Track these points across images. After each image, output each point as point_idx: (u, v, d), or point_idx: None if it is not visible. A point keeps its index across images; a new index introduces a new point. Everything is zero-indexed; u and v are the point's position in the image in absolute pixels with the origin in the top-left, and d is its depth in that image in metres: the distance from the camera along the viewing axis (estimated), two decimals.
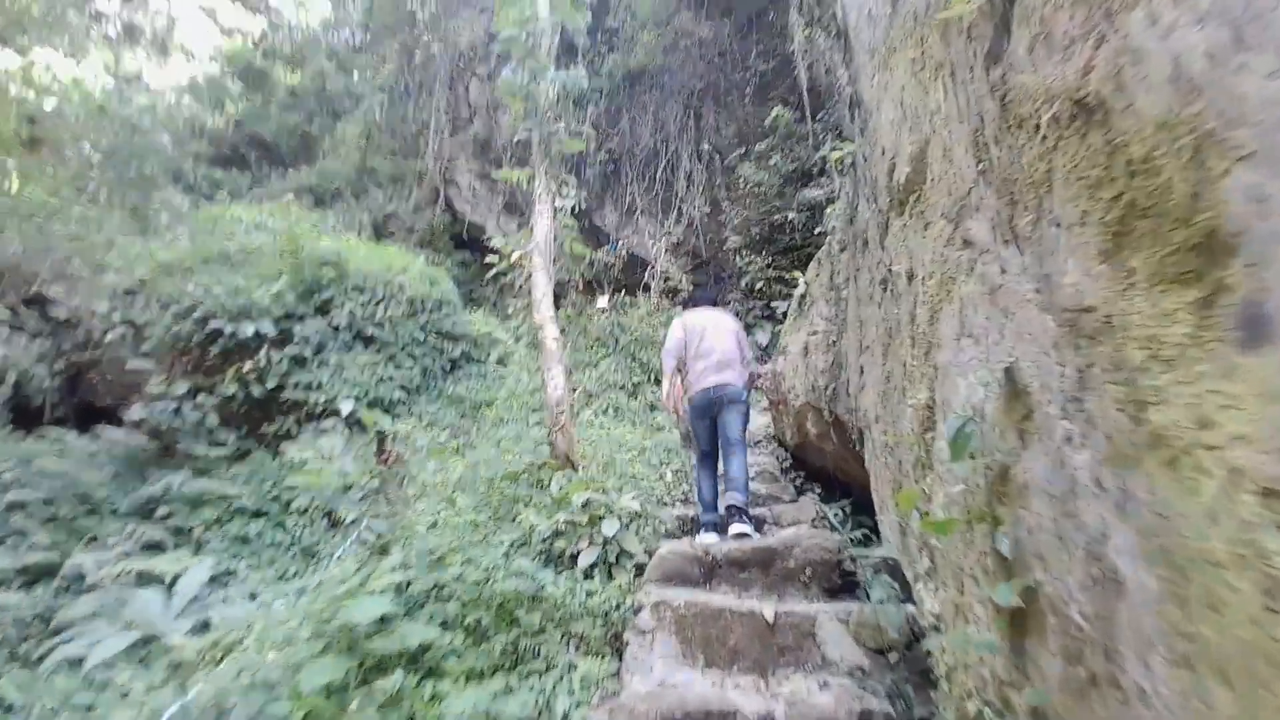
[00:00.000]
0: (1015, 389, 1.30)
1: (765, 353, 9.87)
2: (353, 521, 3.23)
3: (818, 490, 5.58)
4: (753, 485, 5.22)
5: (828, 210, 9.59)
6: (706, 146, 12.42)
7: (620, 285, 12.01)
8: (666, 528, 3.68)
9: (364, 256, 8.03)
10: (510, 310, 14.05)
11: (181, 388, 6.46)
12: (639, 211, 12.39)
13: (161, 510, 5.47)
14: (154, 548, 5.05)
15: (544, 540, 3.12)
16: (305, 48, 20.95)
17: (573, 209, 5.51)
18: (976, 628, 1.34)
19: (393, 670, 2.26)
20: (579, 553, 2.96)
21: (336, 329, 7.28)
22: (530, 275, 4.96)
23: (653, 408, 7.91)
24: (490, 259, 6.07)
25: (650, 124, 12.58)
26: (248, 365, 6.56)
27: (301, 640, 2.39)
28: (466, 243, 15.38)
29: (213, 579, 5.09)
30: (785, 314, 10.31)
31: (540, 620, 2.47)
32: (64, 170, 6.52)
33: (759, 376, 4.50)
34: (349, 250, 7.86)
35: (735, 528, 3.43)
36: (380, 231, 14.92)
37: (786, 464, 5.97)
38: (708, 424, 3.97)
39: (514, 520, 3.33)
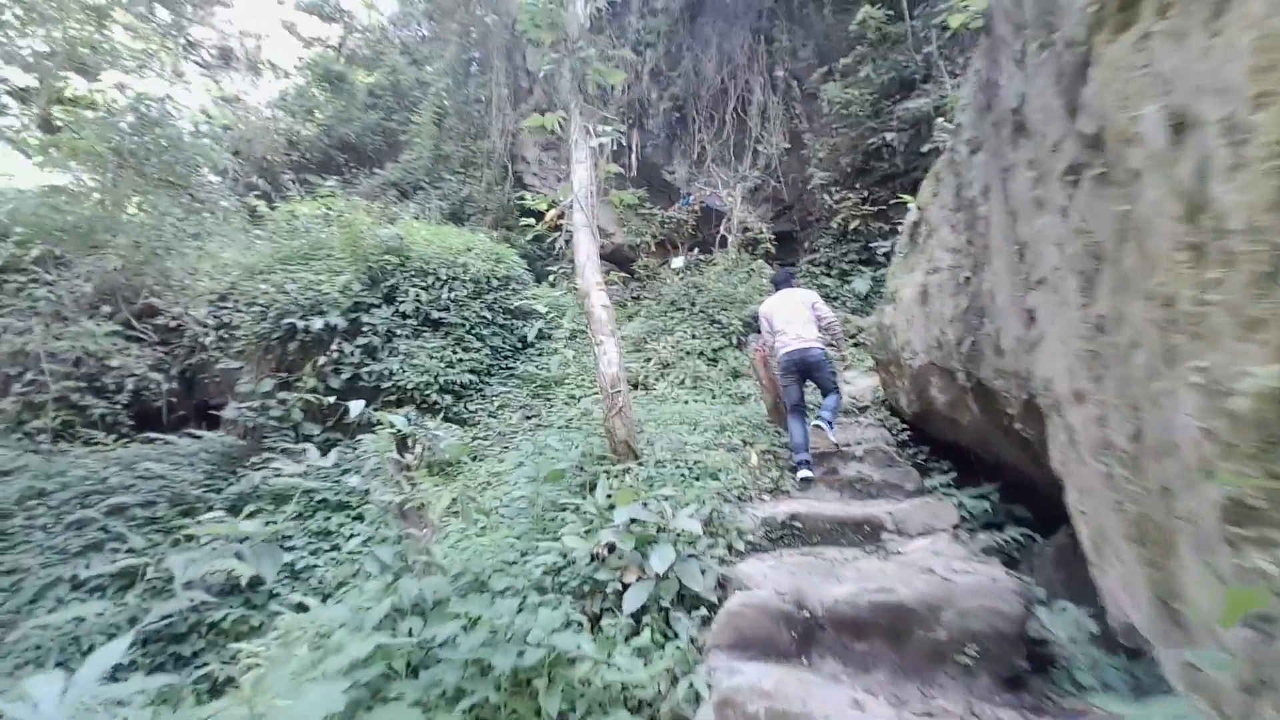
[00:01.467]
0: None
1: (865, 302, 8.40)
2: (364, 546, 2.71)
3: (946, 470, 4.37)
4: (862, 468, 4.15)
5: (938, 121, 7.77)
6: (781, 73, 10.72)
7: (695, 242, 10.90)
8: (749, 540, 2.78)
9: (425, 240, 7.67)
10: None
11: (267, 385, 6.51)
12: (710, 160, 11.07)
13: (250, 507, 5.49)
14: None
15: (588, 566, 2.40)
16: (378, 45, 21.45)
17: (616, 148, 4.55)
18: None
19: None
20: (626, 588, 2.20)
21: (404, 316, 7.01)
22: (571, 237, 4.15)
23: (736, 374, 6.92)
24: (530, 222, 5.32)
25: (715, 58, 11.07)
26: (322, 359, 6.46)
27: None
28: (538, 215, 14.99)
29: (294, 574, 5.04)
30: (888, 255, 8.68)
31: (565, 699, 1.75)
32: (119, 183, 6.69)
33: (833, 331, 4.76)
34: (410, 235, 7.53)
35: (817, 437, 4.27)
36: (459, 216, 14.95)
37: (903, 436, 4.77)
38: (796, 382, 4.42)
39: (556, 536, 2.63)
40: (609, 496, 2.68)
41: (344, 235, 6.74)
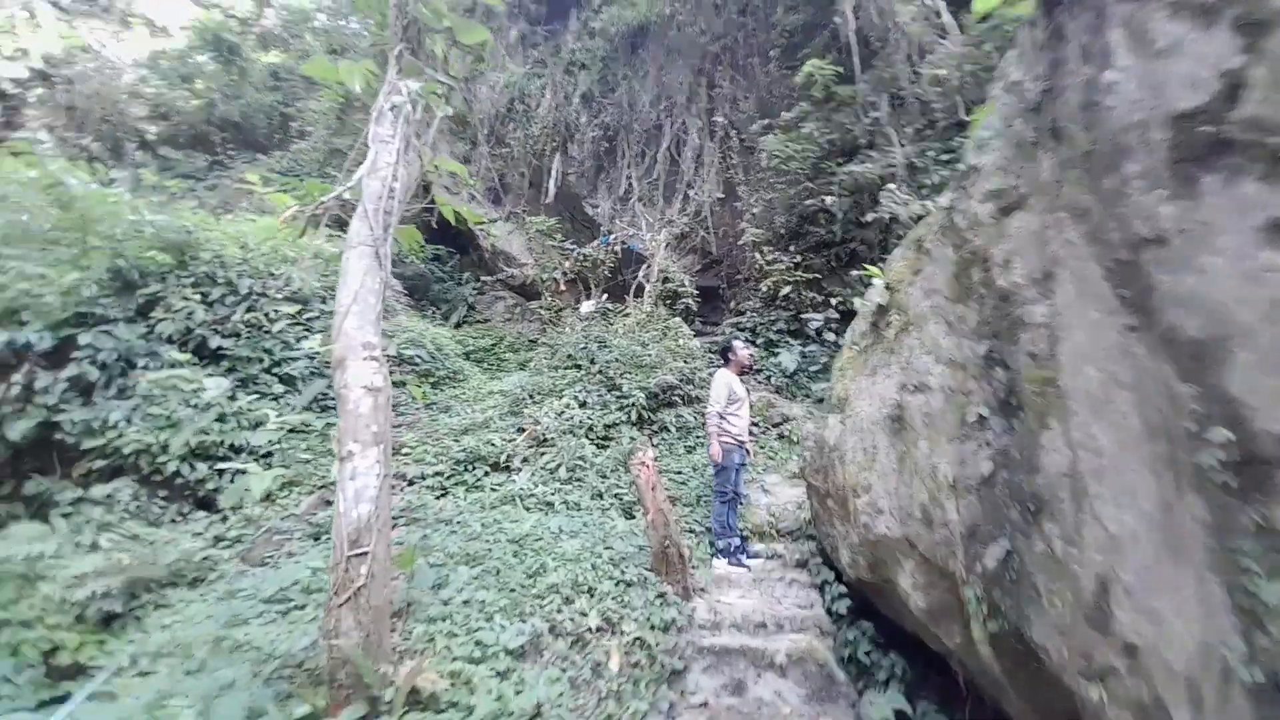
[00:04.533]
0: None
1: (792, 381, 7.14)
2: None
3: (900, 677, 2.89)
4: (783, 692, 2.53)
5: (887, 188, 6.83)
6: (720, 119, 9.71)
7: (610, 286, 9.38)
8: None
9: (233, 238, 5.51)
10: (488, 314, 11.55)
11: None
12: (636, 198, 9.73)
13: None
14: None
15: None
16: (296, 28, 18.99)
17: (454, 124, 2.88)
18: None
19: None
20: None
21: (168, 340, 4.77)
22: (342, 261, 2.35)
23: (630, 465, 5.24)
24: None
25: (653, 92, 9.91)
26: None
27: None
28: (444, 234, 12.94)
29: None
30: (820, 332, 7.54)
31: None
32: None
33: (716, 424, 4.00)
34: (205, 228, 5.34)
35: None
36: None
37: (840, 605, 3.25)
38: None
39: None
40: None
41: (69, 217, 4.45)
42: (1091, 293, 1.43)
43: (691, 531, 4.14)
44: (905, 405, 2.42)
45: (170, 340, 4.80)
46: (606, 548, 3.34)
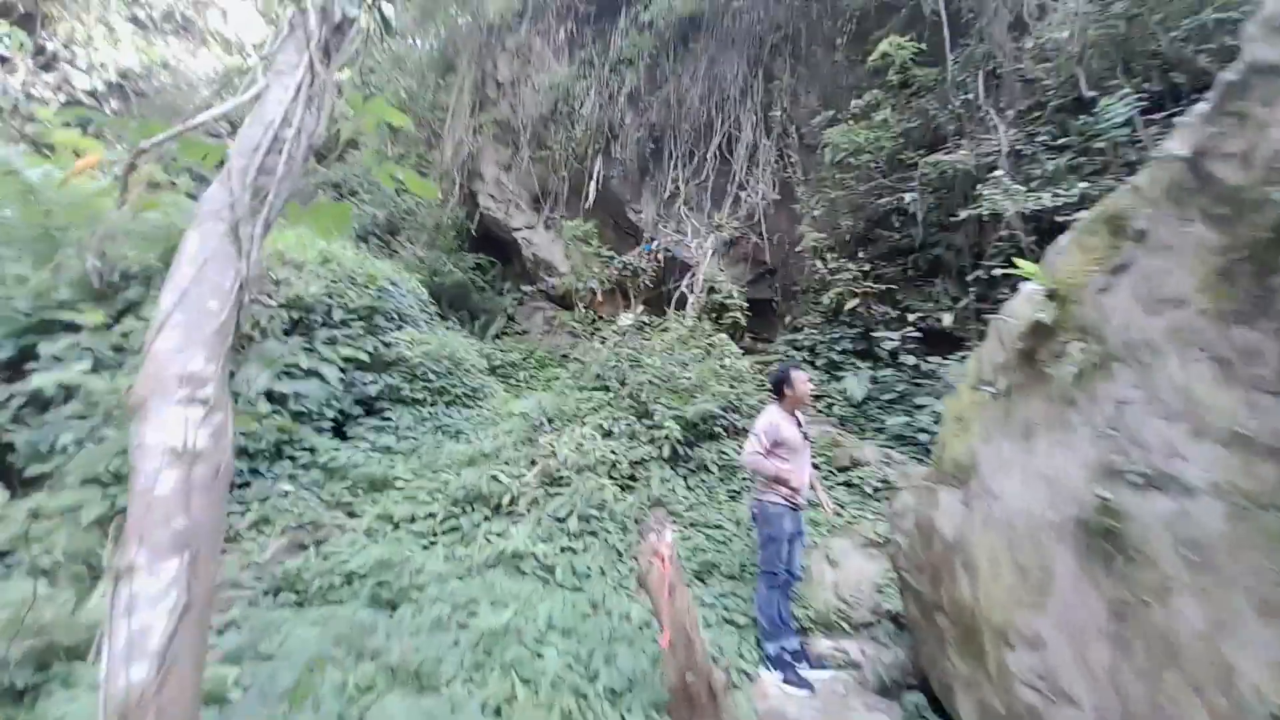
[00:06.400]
0: None
1: (860, 411, 5.91)
2: None
3: None
4: None
5: (992, 176, 5.52)
6: (778, 114, 8.63)
7: (651, 296, 8.44)
8: None
9: None
10: (523, 323, 10.90)
11: None
12: (681, 202, 8.78)
13: None
14: None
15: None
16: (361, 45, 19.49)
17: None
18: None
19: None
20: None
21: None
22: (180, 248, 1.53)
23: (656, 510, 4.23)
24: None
25: (703, 87, 8.96)
26: None
27: None
28: (488, 243, 12.54)
29: None
30: (895, 353, 6.24)
31: None
32: None
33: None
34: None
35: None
36: (394, 230, 12.63)
37: None
38: None
39: None
40: None
41: (32, 210, 3.97)
42: None
43: (732, 623, 3.07)
44: (1125, 511, 1.30)
45: None
46: (607, 659, 2.34)
